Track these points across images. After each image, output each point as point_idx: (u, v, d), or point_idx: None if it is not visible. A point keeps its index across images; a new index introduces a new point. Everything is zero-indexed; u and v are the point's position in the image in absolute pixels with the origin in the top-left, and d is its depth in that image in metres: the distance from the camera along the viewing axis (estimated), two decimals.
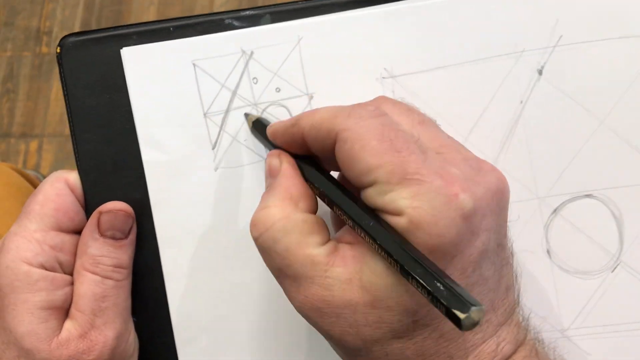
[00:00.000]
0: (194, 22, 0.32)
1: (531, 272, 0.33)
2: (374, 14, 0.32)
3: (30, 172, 1.09)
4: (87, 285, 0.31)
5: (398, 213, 0.23)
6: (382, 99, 0.28)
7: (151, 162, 0.33)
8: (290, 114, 0.33)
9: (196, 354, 0.33)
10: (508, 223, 0.26)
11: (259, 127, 0.31)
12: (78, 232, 0.32)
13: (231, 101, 0.33)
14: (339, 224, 0.29)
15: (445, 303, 0.20)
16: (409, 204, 0.23)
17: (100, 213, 0.31)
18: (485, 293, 0.25)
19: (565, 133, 0.32)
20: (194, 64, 0.32)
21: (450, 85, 0.33)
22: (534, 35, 0.32)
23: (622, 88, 0.32)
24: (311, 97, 0.33)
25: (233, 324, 0.33)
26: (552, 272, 0.33)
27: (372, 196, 0.24)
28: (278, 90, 0.33)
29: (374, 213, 0.24)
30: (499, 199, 0.25)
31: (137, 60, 0.32)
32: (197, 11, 1.22)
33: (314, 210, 0.27)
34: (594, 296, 0.33)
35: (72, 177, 0.32)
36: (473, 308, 0.20)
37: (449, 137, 0.27)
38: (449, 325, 0.24)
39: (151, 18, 1.23)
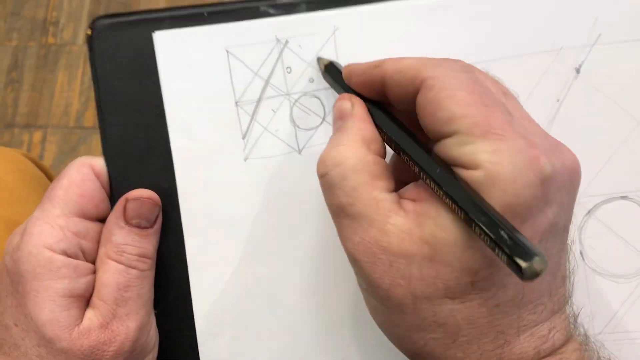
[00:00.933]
0: (229, 9, 0.32)
1: None
2: (411, 6, 0.32)
3: None
4: (111, 274, 0.30)
5: (475, 166, 0.23)
6: (469, 64, 0.27)
7: (180, 150, 0.32)
8: (323, 105, 0.32)
9: (218, 350, 0.32)
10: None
11: (331, 70, 0.31)
12: (102, 219, 0.31)
13: (264, 90, 0.32)
14: (401, 180, 0.29)
15: (507, 251, 0.20)
16: (489, 158, 0.22)
17: (127, 200, 0.30)
18: (544, 274, 0.24)
19: (601, 133, 0.32)
20: (227, 51, 0.32)
21: None
22: (573, 33, 0.32)
23: None
24: None
25: (257, 320, 0.32)
26: (585, 275, 0.32)
27: (449, 147, 0.24)
28: (312, 80, 0.32)
29: (444, 163, 0.24)
30: (572, 178, 0.25)
31: (169, 45, 0.32)
32: (209, 1, 1.22)
33: (383, 156, 0.27)
34: (628, 300, 0.32)
35: (98, 163, 0.32)
36: (536, 257, 0.20)
37: (529, 114, 0.26)
38: (508, 295, 0.23)
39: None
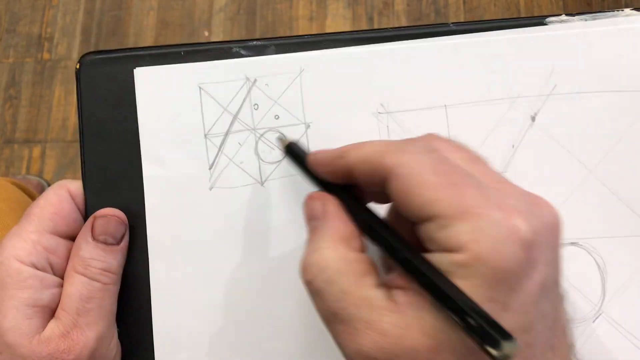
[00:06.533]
0: (204, 49, 0.34)
1: None
2: (375, 51, 0.34)
3: (34, 178, 1.11)
4: (75, 286, 0.32)
5: (457, 249, 0.22)
6: (431, 136, 0.27)
7: (151, 177, 0.34)
8: None
9: None
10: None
11: (293, 152, 0.31)
12: (74, 238, 0.33)
13: (231, 124, 0.34)
14: (388, 266, 0.29)
15: (478, 340, 0.20)
16: (470, 238, 0.22)
17: (95, 218, 0.33)
18: (544, 331, 0.24)
19: (554, 180, 0.33)
20: (200, 87, 0.34)
21: (444, 125, 0.33)
22: (530, 82, 0.33)
23: (613, 140, 0.33)
24: (308, 127, 0.34)
25: (212, 344, 0.34)
26: None
27: (430, 231, 0.23)
28: (277, 117, 0.34)
29: (415, 250, 0.24)
30: (554, 233, 0.24)
31: (147, 80, 0.34)
32: (196, 16, 1.21)
33: (364, 250, 0.27)
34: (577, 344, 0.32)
35: (75, 186, 0.34)
36: (505, 344, 0.20)
37: (500, 174, 0.26)
38: None
39: (151, 23, 1.25)
